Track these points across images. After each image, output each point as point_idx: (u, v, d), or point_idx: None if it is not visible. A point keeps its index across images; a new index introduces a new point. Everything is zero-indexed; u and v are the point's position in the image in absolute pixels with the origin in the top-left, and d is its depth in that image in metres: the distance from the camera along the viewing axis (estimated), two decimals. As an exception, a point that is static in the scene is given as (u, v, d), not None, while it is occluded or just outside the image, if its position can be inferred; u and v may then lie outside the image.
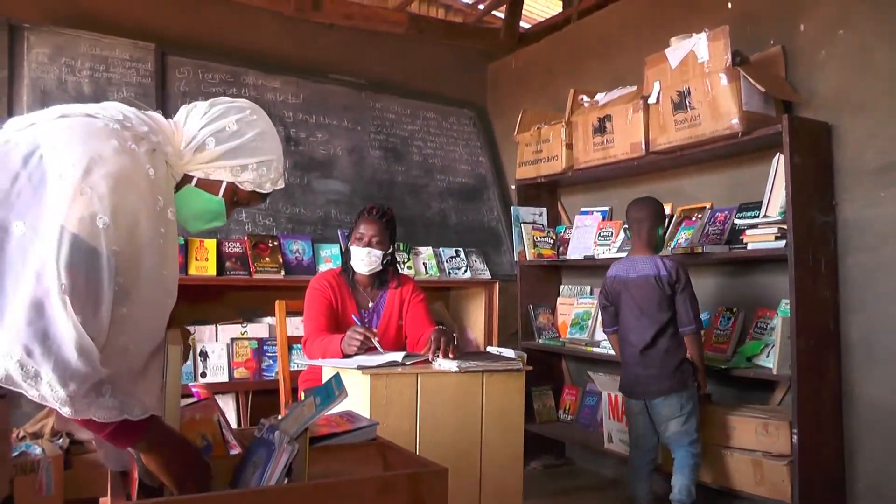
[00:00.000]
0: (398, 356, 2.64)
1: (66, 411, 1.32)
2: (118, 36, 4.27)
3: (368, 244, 3.11)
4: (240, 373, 4.02)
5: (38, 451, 3.31)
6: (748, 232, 3.30)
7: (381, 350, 2.76)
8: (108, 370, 1.36)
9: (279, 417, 1.77)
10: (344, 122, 4.94)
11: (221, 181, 1.66)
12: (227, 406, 4.04)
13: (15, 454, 3.15)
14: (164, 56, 4.41)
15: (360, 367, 2.48)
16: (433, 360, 2.63)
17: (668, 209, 3.88)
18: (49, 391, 1.30)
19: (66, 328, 1.30)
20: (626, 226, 3.48)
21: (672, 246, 3.63)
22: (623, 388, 3.35)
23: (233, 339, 4.07)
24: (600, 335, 4.23)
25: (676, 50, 3.43)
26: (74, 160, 1.38)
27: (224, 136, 1.62)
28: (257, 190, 1.71)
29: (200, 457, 1.57)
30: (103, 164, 1.40)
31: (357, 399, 2.44)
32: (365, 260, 3.11)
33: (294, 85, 4.82)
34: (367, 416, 2.37)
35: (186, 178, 1.65)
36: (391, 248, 3.19)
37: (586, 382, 4.41)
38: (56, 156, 1.39)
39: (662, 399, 3.16)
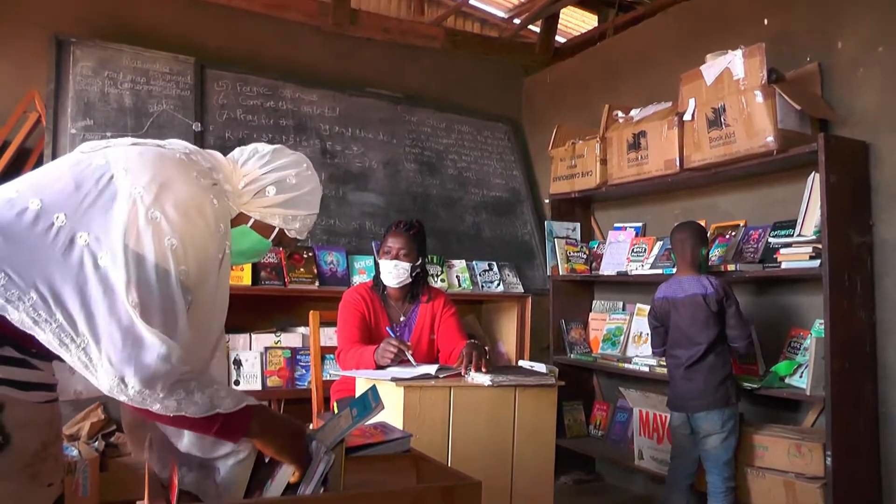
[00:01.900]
0: (431, 369, 2.65)
1: (156, 408, 1.40)
2: (159, 50, 4.38)
3: (396, 257, 3.13)
4: (273, 381, 4.07)
5: (74, 452, 3.39)
6: (782, 251, 3.28)
7: (413, 363, 2.78)
8: (187, 367, 1.44)
9: (312, 427, 1.80)
10: (380, 136, 4.99)
11: (274, 227, 1.78)
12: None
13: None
14: (203, 69, 4.50)
15: (394, 379, 2.50)
16: (465, 374, 2.64)
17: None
18: (138, 395, 1.38)
19: (144, 338, 1.38)
20: (670, 247, 3.55)
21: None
22: (669, 402, 3.39)
23: (266, 348, 4.12)
24: (632, 351, 4.23)
25: (712, 66, 3.44)
26: (145, 184, 1.48)
27: (285, 186, 1.74)
28: (297, 237, 1.85)
29: (303, 429, 1.66)
30: (172, 190, 1.50)
31: (391, 411, 2.45)
32: (393, 272, 3.14)
33: (331, 98, 4.89)
34: (401, 428, 2.40)
35: (242, 217, 1.75)
36: (420, 261, 3.20)
37: (617, 398, 4.40)
38: (128, 178, 1.48)
39: (704, 413, 3.18)
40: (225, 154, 1.80)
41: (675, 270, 3.46)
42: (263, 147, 1.79)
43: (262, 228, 1.78)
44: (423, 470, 1.88)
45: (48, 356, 1.45)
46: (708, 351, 3.20)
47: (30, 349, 1.42)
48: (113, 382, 1.36)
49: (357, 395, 2.79)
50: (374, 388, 1.77)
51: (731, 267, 3.44)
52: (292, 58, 4.91)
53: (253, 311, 4.35)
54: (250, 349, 4.11)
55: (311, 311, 3.47)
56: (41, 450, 1.43)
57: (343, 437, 1.66)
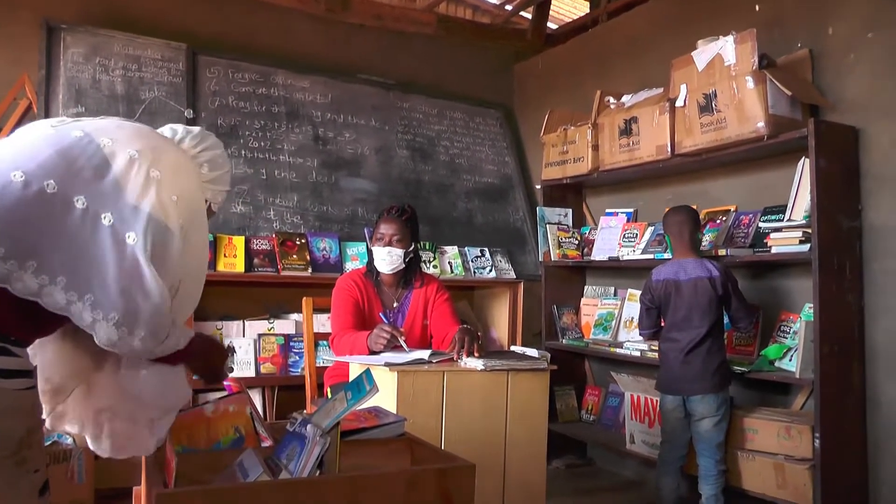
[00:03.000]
0: (425, 354, 2.68)
1: (147, 355, 1.56)
2: (151, 36, 4.36)
3: (389, 243, 3.13)
4: (266, 368, 4.08)
5: (69, 440, 3.40)
6: (772, 235, 3.31)
7: (406, 348, 2.79)
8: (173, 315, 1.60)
9: (306, 412, 1.82)
10: (372, 122, 4.99)
11: (206, 200, 1.90)
12: (255, 400, 4.09)
13: (47, 443, 3.24)
14: (195, 56, 4.49)
15: (387, 364, 2.52)
16: (458, 359, 2.66)
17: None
18: (140, 344, 1.49)
19: (153, 290, 1.49)
20: (662, 232, 3.59)
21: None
22: (660, 385, 3.40)
23: (260, 335, 4.13)
24: (623, 336, 4.26)
25: (703, 52, 3.45)
26: (140, 148, 1.61)
27: (216, 164, 1.88)
28: (215, 210, 1.98)
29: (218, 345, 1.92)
30: (165, 152, 1.68)
31: (385, 395, 2.46)
32: (386, 259, 3.14)
33: (323, 84, 4.89)
34: (395, 412, 2.42)
35: None
36: (413, 246, 3.20)
37: (609, 383, 4.43)
38: (118, 146, 1.58)
39: (701, 397, 3.22)
40: None
41: (671, 254, 3.47)
42: (193, 128, 1.90)
43: None
44: (417, 453, 1.90)
45: (25, 343, 1.50)
46: (707, 335, 3.23)
47: (9, 336, 1.44)
48: (119, 333, 1.46)
49: (351, 379, 2.82)
50: (368, 372, 1.79)
51: (721, 251, 3.46)
52: (285, 44, 4.90)
53: (246, 297, 4.37)
54: (243, 336, 4.12)
55: (305, 298, 3.48)
56: (26, 436, 1.44)
57: (338, 421, 1.68)
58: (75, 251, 1.45)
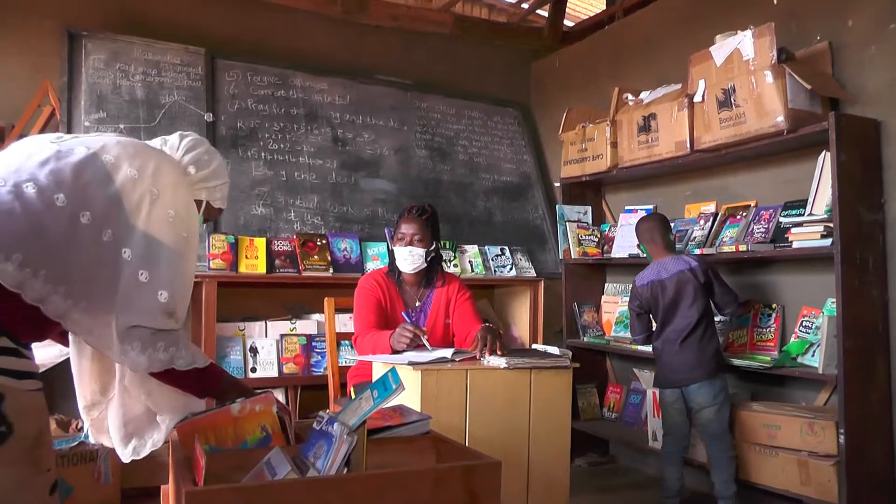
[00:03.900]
0: (447, 353, 2.68)
1: (152, 364, 1.65)
2: (169, 41, 4.40)
3: (410, 243, 3.14)
4: (289, 368, 4.10)
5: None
6: (793, 230, 3.29)
7: (429, 347, 2.80)
8: (180, 325, 1.71)
9: (331, 411, 1.84)
10: (390, 122, 5.01)
11: (202, 201, 1.99)
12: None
13: (74, 444, 3.27)
14: (213, 60, 4.52)
15: (411, 363, 2.53)
16: (481, 357, 2.66)
17: (712, 207, 3.92)
18: (136, 355, 1.62)
19: (144, 304, 1.62)
20: (639, 243, 3.68)
21: (717, 244, 3.64)
22: (658, 380, 3.51)
23: (282, 336, 4.16)
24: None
25: (721, 47, 3.44)
26: (139, 167, 1.69)
27: (201, 163, 1.95)
28: (220, 206, 2.06)
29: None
30: (162, 171, 1.74)
31: (409, 394, 2.47)
32: (408, 259, 3.15)
33: (341, 86, 4.90)
34: (419, 411, 2.43)
35: None
36: (434, 246, 3.20)
37: (630, 381, 4.43)
38: (119, 164, 1.67)
39: (698, 386, 3.29)
40: None
41: (651, 260, 3.57)
42: (170, 136, 1.97)
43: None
44: (443, 451, 1.91)
45: (30, 345, 1.56)
46: (698, 323, 3.32)
47: (19, 339, 1.49)
48: (121, 347, 1.59)
49: (374, 380, 2.83)
50: (393, 371, 1.80)
51: (742, 247, 3.45)
52: (302, 46, 4.93)
53: (268, 298, 4.40)
54: (266, 336, 4.15)
55: (326, 298, 3.50)
56: (38, 436, 1.49)
57: (365, 419, 1.69)
58: (77, 263, 1.54)
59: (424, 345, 2.81)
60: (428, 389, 2.49)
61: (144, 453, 1.88)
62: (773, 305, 3.62)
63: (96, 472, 3.37)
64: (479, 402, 2.54)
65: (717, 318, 3.54)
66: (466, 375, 2.54)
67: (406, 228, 3.16)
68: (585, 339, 4.53)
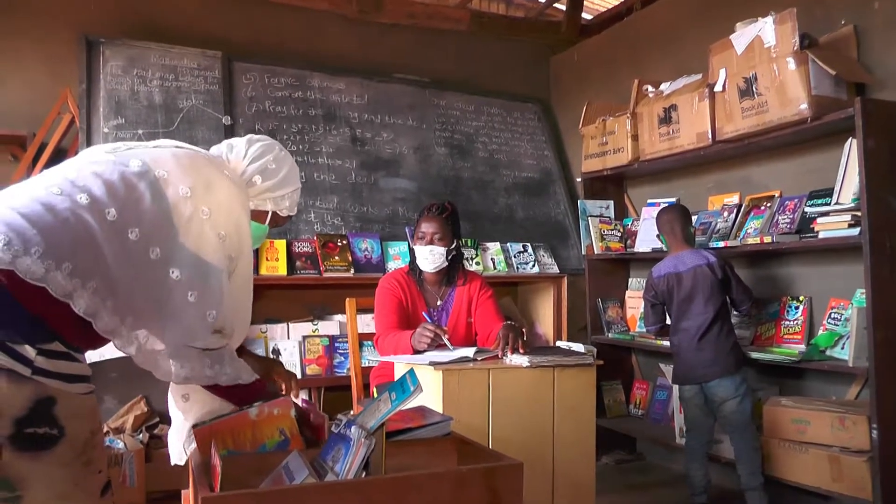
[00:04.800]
0: (469, 352, 2.66)
1: (199, 379, 1.71)
2: (186, 45, 4.41)
3: (430, 242, 3.11)
4: (312, 369, 4.10)
5: (120, 445, 3.46)
6: (819, 220, 3.22)
7: (450, 347, 2.78)
8: (226, 341, 1.74)
9: (352, 413, 1.82)
10: (409, 121, 4.98)
11: (267, 211, 1.98)
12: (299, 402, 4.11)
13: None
14: (230, 63, 4.52)
15: (432, 363, 2.51)
16: (503, 356, 2.64)
17: (736, 198, 3.85)
18: (174, 369, 1.65)
19: (189, 324, 1.63)
20: (658, 234, 3.65)
21: (741, 236, 3.58)
22: (676, 377, 3.49)
23: (304, 337, 4.16)
24: (670, 328, 4.20)
25: (742, 35, 3.37)
26: (191, 184, 1.68)
27: (268, 172, 1.93)
28: (290, 214, 2.04)
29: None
30: (214, 188, 1.72)
31: (430, 395, 2.47)
32: (428, 258, 3.12)
33: (359, 86, 4.89)
34: (440, 412, 2.40)
35: None
36: (455, 244, 3.18)
37: (657, 376, 4.37)
38: (171, 180, 1.66)
39: (718, 381, 3.27)
40: None
41: (668, 250, 3.57)
42: (237, 141, 1.96)
43: (257, 216, 1.97)
44: (464, 453, 1.88)
45: (85, 349, 1.57)
46: (715, 319, 3.30)
47: (72, 343, 1.49)
48: (169, 364, 1.64)
49: (396, 379, 2.81)
50: (411, 372, 1.77)
51: (767, 238, 3.39)
52: (318, 47, 4.92)
53: (289, 300, 4.40)
54: (288, 338, 4.15)
55: (348, 299, 3.49)
56: (90, 437, 1.50)
57: (383, 422, 1.67)
58: (124, 279, 1.53)
59: (446, 344, 2.79)
60: (450, 390, 2.47)
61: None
62: (801, 297, 3.55)
63: (122, 476, 3.39)
64: (501, 402, 2.52)
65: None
66: (488, 375, 2.52)
67: (426, 227, 3.13)
68: (610, 335, 4.48)
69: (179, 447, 1.95)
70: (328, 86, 4.79)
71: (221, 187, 1.75)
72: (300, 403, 2.05)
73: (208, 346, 1.69)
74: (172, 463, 1.97)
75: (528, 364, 2.54)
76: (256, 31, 4.75)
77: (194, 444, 1.79)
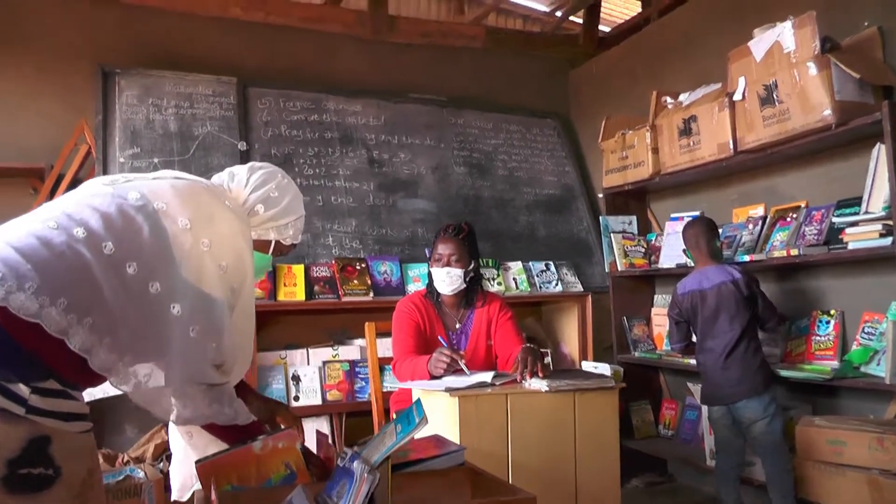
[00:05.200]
0: (487, 377, 2.59)
1: (195, 419, 1.68)
2: (201, 73, 4.42)
3: (447, 264, 3.05)
4: (332, 395, 4.05)
5: (140, 474, 3.42)
6: (848, 230, 3.10)
7: (467, 371, 2.71)
8: (227, 379, 1.70)
9: (362, 443, 1.76)
10: (427, 141, 4.94)
11: (271, 241, 1.94)
12: (322, 428, 4.07)
13: (119, 478, 3.28)
14: (245, 88, 4.52)
15: (448, 389, 2.44)
16: (522, 380, 2.56)
17: (760, 210, 3.74)
18: (171, 405, 1.64)
19: (190, 361, 1.60)
20: (685, 248, 3.57)
21: (767, 249, 3.47)
22: (704, 397, 3.40)
23: (324, 362, 4.11)
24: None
25: (760, 41, 3.28)
26: (191, 216, 1.63)
27: (270, 201, 1.88)
28: (293, 242, 1.99)
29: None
30: (215, 219, 1.68)
31: (447, 421, 2.42)
32: (446, 280, 3.06)
33: (375, 107, 4.86)
34: (457, 439, 2.34)
35: None
36: (473, 265, 3.11)
37: (685, 396, 4.24)
38: (170, 211, 1.62)
39: (745, 402, 3.17)
40: None
41: (693, 265, 3.48)
42: (238, 169, 1.92)
43: (261, 245, 1.93)
44: (478, 485, 1.82)
45: (81, 387, 1.53)
46: (741, 337, 3.21)
47: (69, 380, 1.46)
48: (174, 404, 1.63)
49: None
50: (418, 402, 1.71)
51: (793, 251, 3.28)
52: (333, 69, 4.91)
53: (309, 325, 4.35)
54: (308, 364, 4.10)
55: (367, 323, 3.44)
56: (87, 477, 1.46)
57: (388, 455, 1.60)
58: (123, 315, 1.49)
59: (462, 369, 2.71)
60: (467, 416, 2.40)
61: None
62: (832, 312, 3.43)
63: (141, 506, 3.36)
64: (521, 428, 2.44)
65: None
66: (506, 400, 2.44)
67: (443, 249, 3.07)
68: (636, 354, 4.38)
69: (180, 482, 1.91)
70: (344, 108, 4.77)
71: (222, 218, 1.71)
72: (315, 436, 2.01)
73: (209, 381, 1.65)
74: (172, 499, 1.93)
75: (547, 389, 2.46)
76: (271, 56, 4.75)
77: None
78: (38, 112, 4.15)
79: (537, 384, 2.49)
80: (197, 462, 1.75)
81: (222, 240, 1.68)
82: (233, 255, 1.70)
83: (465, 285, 3.10)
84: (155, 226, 1.59)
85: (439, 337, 3.03)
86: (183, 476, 1.95)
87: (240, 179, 1.89)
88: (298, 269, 4.06)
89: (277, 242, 1.95)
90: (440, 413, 2.47)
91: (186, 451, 1.90)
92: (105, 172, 3.90)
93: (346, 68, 4.94)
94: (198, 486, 1.79)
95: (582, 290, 4.71)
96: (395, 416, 3.17)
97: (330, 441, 2.08)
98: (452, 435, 2.37)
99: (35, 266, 1.41)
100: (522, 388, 2.51)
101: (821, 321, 3.44)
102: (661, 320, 4.46)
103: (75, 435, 1.45)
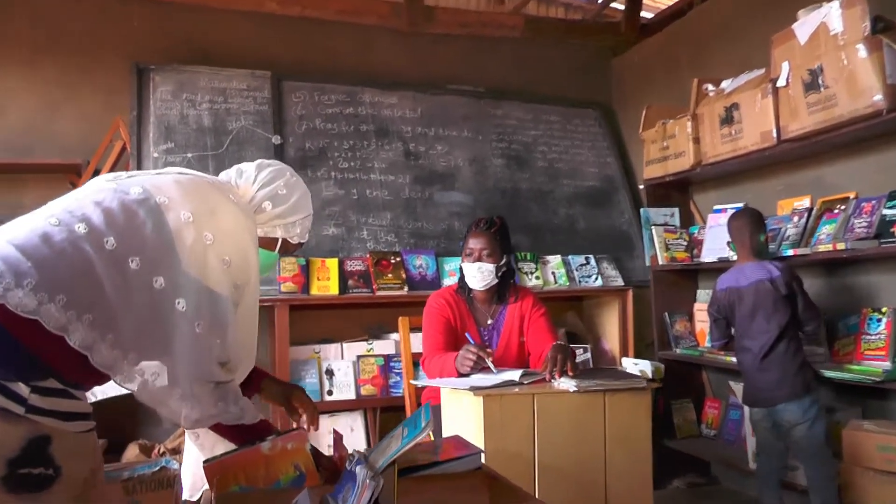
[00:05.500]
0: (515, 375, 2.52)
1: (201, 417, 1.62)
2: (235, 67, 4.41)
3: (478, 258, 2.99)
4: (367, 390, 4.02)
5: (175, 465, 3.43)
6: (901, 223, 2.94)
7: (494, 370, 2.64)
8: (232, 376, 1.67)
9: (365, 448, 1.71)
10: (464, 133, 4.86)
11: (277, 238, 1.91)
12: (356, 423, 4.05)
13: (155, 469, 3.29)
14: (279, 82, 4.49)
15: (472, 388, 2.37)
16: (551, 379, 2.48)
17: (807, 202, 3.57)
18: (178, 404, 1.57)
19: (197, 356, 1.56)
20: (729, 241, 3.43)
21: (812, 243, 3.31)
22: (745, 398, 3.28)
23: (359, 357, 4.08)
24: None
25: (805, 23, 3.12)
26: (193, 209, 1.61)
27: (278, 198, 1.87)
28: (300, 241, 1.97)
29: None
30: (218, 213, 1.65)
31: (471, 422, 2.36)
32: (477, 276, 2.99)
33: (411, 99, 4.80)
34: (482, 440, 2.28)
35: None
36: (505, 260, 3.04)
37: (728, 395, 4.09)
38: (172, 205, 1.59)
39: (784, 405, 3.04)
40: None
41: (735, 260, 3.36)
42: (246, 166, 1.89)
43: (267, 243, 1.91)
44: (494, 490, 1.74)
45: (84, 386, 1.52)
46: (780, 338, 3.08)
47: (70, 379, 1.44)
48: (178, 404, 1.56)
49: (442, 403, 2.69)
50: (426, 406, 1.65)
51: (840, 245, 3.12)
52: (369, 62, 4.86)
53: (344, 319, 4.34)
54: (342, 358, 4.09)
55: (401, 318, 3.41)
56: (90, 477, 1.46)
57: (392, 460, 1.54)
58: (127, 312, 1.47)
59: (489, 367, 2.64)
60: (491, 416, 2.33)
61: None
62: (883, 309, 3.24)
63: (175, 498, 3.36)
64: (548, 429, 2.35)
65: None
66: (533, 400, 2.37)
67: (474, 243, 3.01)
68: (678, 350, 4.24)
69: (190, 482, 1.91)
70: (380, 101, 4.72)
71: (226, 212, 1.68)
72: (329, 434, 1.97)
73: (215, 379, 1.62)
74: (183, 499, 1.91)
75: (575, 388, 2.37)
76: (305, 49, 4.72)
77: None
78: (78, 110, 4.20)
79: (566, 384, 2.41)
80: (205, 462, 1.72)
81: (225, 235, 1.64)
82: (236, 251, 1.66)
83: (497, 280, 3.03)
84: (157, 220, 1.56)
85: (467, 334, 2.96)
86: (193, 476, 1.92)
87: (248, 176, 1.87)
88: (332, 263, 4.03)
89: (284, 240, 1.93)
90: (466, 412, 2.42)
91: (196, 451, 1.87)
92: (139, 167, 3.93)
93: (381, 60, 4.89)
94: (207, 486, 1.76)
95: (623, 284, 4.58)
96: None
97: (343, 440, 2.02)
98: (477, 435, 2.31)
99: (35, 263, 1.39)
100: (550, 388, 2.42)
101: (871, 319, 3.26)
102: (703, 316, 4.28)
103: (76, 434, 1.43)
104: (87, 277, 1.44)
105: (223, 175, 1.90)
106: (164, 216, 1.57)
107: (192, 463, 1.91)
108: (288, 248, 1.96)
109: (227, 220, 1.67)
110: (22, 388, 1.35)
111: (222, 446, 1.79)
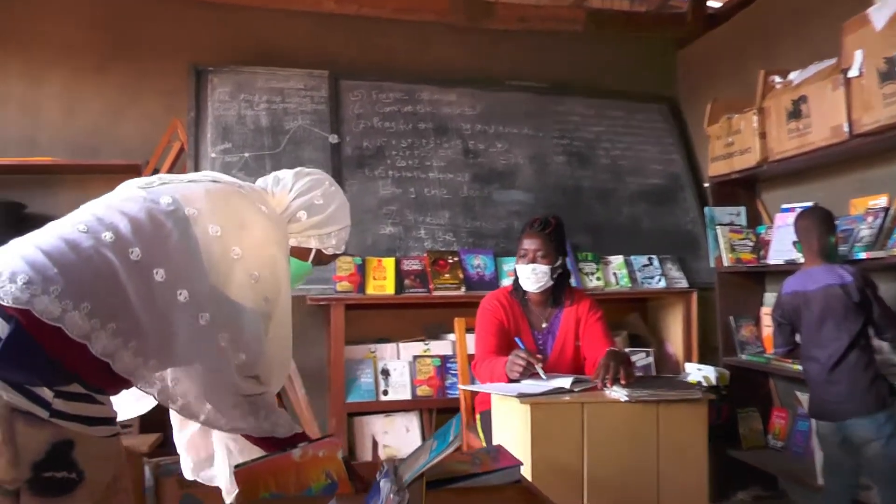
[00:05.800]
0: (566, 382, 2.46)
1: (229, 427, 1.64)
2: (292, 67, 4.43)
3: (533, 260, 2.92)
4: (422, 391, 4.00)
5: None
6: None
7: (543, 376, 2.56)
8: (263, 389, 1.67)
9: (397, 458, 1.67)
10: (524, 130, 4.77)
11: (311, 249, 1.89)
12: (412, 424, 4.03)
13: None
14: (337, 81, 4.49)
15: (520, 396, 2.31)
16: (602, 387, 2.41)
17: (883, 201, 3.35)
18: (206, 417, 1.60)
19: (219, 370, 1.57)
20: (796, 240, 3.22)
21: (889, 245, 3.11)
22: (811, 410, 3.07)
23: (415, 357, 4.07)
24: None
25: (882, 7, 2.92)
26: (222, 222, 1.60)
27: (314, 208, 1.84)
28: (334, 252, 1.93)
29: None
30: (247, 226, 1.64)
31: (519, 430, 2.31)
32: (531, 278, 2.93)
33: (470, 96, 4.74)
34: (528, 449, 2.22)
35: None
36: (560, 261, 2.96)
37: (796, 405, 3.89)
38: (201, 218, 1.59)
39: (855, 420, 2.83)
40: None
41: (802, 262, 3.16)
42: (284, 174, 1.87)
43: (300, 253, 1.89)
44: (531, 504, 1.67)
45: (107, 391, 1.52)
46: (851, 347, 2.87)
47: (93, 385, 1.45)
48: (202, 410, 1.58)
49: (493, 408, 2.63)
50: (458, 418, 1.59)
51: (916, 250, 2.92)
52: (427, 59, 4.81)
53: (401, 319, 4.34)
54: (398, 358, 4.08)
55: (457, 319, 3.40)
56: (113, 482, 1.48)
57: (421, 473, 1.49)
58: (150, 322, 1.47)
59: (539, 373, 2.57)
60: (538, 425, 2.28)
61: None
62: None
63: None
64: (598, 439, 2.29)
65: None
66: (582, 409, 2.31)
67: (528, 244, 2.95)
68: (744, 356, 4.05)
69: (225, 486, 1.90)
70: (438, 98, 4.67)
71: (256, 225, 1.66)
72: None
73: (243, 392, 1.62)
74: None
75: (627, 398, 2.29)
76: (363, 47, 4.70)
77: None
78: (138, 113, 4.28)
79: (617, 393, 2.34)
80: (236, 467, 1.71)
81: (255, 248, 1.63)
82: (266, 265, 1.65)
83: (552, 283, 2.96)
84: (184, 232, 1.56)
85: (517, 339, 2.89)
86: (226, 479, 1.91)
87: (285, 184, 1.85)
88: (389, 263, 4.02)
89: (318, 251, 1.90)
90: (514, 420, 2.37)
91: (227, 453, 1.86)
92: (197, 168, 3.98)
93: (439, 57, 4.83)
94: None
95: (687, 286, 4.42)
96: (478, 417, 3.08)
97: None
98: (523, 445, 2.24)
99: (61, 270, 1.40)
100: (601, 397, 2.35)
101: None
102: (769, 321, 4.07)
103: (100, 439, 1.45)
104: (112, 286, 1.45)
105: (260, 182, 1.88)
106: (191, 228, 1.57)
107: (221, 464, 1.90)
108: (322, 259, 1.93)
109: (256, 234, 1.65)
110: (46, 393, 1.36)
111: (251, 451, 1.79)
